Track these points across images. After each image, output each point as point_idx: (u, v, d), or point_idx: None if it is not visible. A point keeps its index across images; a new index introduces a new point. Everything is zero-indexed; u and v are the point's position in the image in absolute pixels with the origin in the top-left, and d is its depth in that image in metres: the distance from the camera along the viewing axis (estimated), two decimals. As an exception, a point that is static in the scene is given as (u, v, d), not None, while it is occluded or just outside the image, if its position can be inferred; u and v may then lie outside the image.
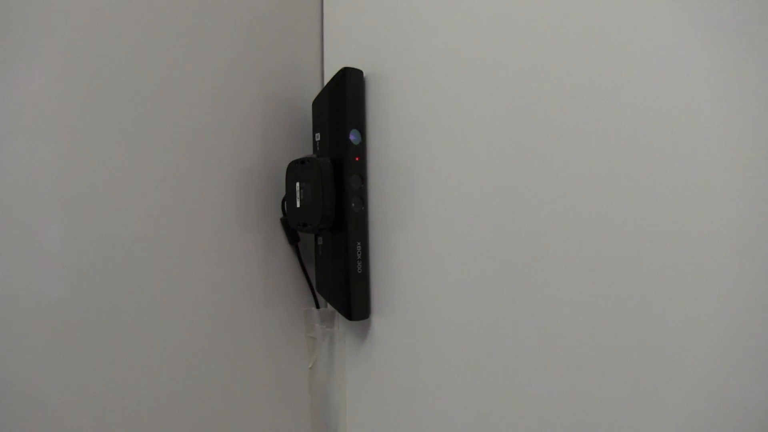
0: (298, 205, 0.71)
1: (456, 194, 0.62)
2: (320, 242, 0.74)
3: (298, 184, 0.71)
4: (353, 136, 0.71)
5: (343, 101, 0.70)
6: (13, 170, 0.49)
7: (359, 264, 0.71)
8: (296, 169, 0.71)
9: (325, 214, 0.68)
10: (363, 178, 0.72)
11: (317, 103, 0.74)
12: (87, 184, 0.54)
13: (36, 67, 0.50)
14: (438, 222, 0.64)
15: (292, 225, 0.73)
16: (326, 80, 0.75)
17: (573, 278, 0.51)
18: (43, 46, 0.52)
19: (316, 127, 0.74)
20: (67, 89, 0.53)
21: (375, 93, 0.71)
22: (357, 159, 0.71)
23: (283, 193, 0.74)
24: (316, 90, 0.78)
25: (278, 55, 0.76)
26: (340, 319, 0.76)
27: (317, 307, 0.77)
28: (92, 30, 0.56)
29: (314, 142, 0.74)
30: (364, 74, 0.72)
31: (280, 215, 0.75)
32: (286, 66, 0.77)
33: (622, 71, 0.47)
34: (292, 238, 0.76)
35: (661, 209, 0.44)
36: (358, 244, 0.71)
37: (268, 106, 0.74)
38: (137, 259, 0.58)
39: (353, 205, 0.70)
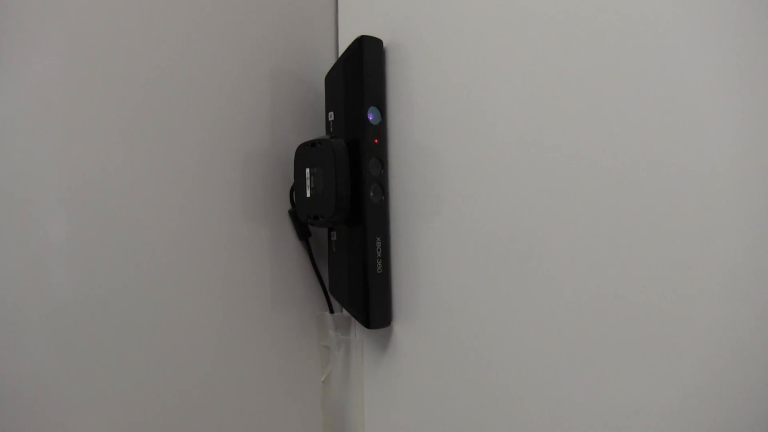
0: (308, 195, 0.66)
1: (490, 181, 0.58)
2: (334, 237, 0.69)
3: (308, 171, 0.66)
4: (372, 115, 0.66)
5: (360, 75, 0.65)
6: (17, 165, 0.50)
7: (379, 262, 0.65)
8: (306, 153, 0.66)
9: (339, 204, 0.63)
10: (383, 162, 0.67)
11: (330, 78, 0.70)
12: (91, 178, 0.54)
13: (39, 61, 0.51)
14: (469, 213, 0.60)
15: (302, 218, 0.67)
16: (341, 51, 0.72)
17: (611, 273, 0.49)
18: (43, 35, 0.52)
19: (329, 105, 0.70)
20: (70, 76, 0.53)
21: (397, 65, 0.67)
22: (376, 141, 0.66)
23: (291, 180, 0.69)
24: (329, 63, 0.73)
25: (285, 23, 0.72)
26: (357, 326, 0.72)
27: (331, 311, 0.72)
28: (93, 19, 0.56)
29: (327, 122, 0.70)
30: (384, 44, 0.68)
31: (289, 206, 0.71)
32: (295, 35, 0.73)
33: (623, 66, 0.48)
34: (302, 232, 0.71)
35: (671, 207, 0.45)
36: (378, 239, 0.66)
37: (275, 81, 0.70)
38: (129, 255, 0.57)
39: (372, 194, 0.65)
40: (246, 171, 0.67)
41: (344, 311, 0.72)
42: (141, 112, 0.58)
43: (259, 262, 0.68)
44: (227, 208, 0.65)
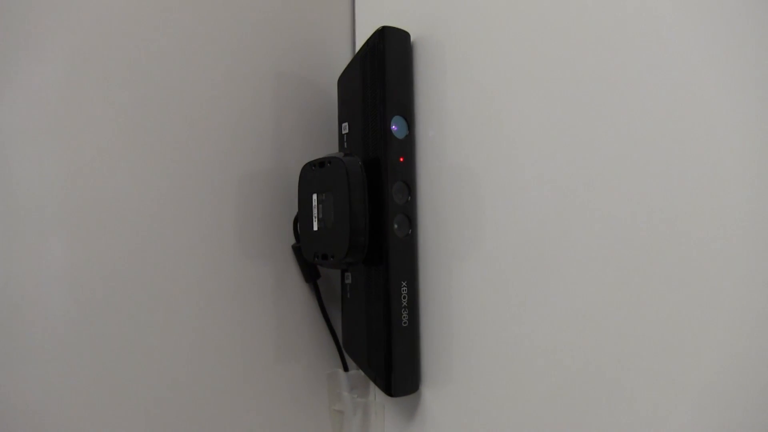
0: (315, 228, 0.61)
1: (546, 211, 0.53)
2: (348, 280, 0.65)
3: (315, 197, 0.61)
4: (396, 126, 0.61)
5: (381, 76, 0.61)
6: (15, 176, 0.51)
7: (405, 313, 0.60)
8: (313, 175, 0.62)
9: (354, 241, 0.58)
10: (410, 187, 0.62)
11: (345, 81, 0.66)
12: (91, 192, 0.54)
13: (37, 73, 0.52)
14: (518, 252, 0.55)
15: (308, 256, 0.63)
16: (358, 47, 0.69)
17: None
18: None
19: (342, 114, 0.66)
20: (64, 84, 0.54)
21: (427, 65, 0.63)
22: (401, 160, 0.61)
23: (296, 208, 0.65)
24: (343, 62, 0.69)
25: (288, 12, 0.70)
26: (377, 387, 0.65)
27: (345, 369, 0.68)
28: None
29: (340, 135, 0.66)
30: (412, 38, 0.64)
31: (293, 240, 0.67)
32: (300, 28, 0.71)
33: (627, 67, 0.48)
34: (309, 273, 0.67)
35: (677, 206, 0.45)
36: (404, 284, 0.60)
37: (276, 85, 0.68)
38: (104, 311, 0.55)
39: (396, 226, 0.60)
40: (242, 196, 0.64)
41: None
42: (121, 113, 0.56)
43: (259, 307, 0.64)
44: (219, 241, 0.62)
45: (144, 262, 0.56)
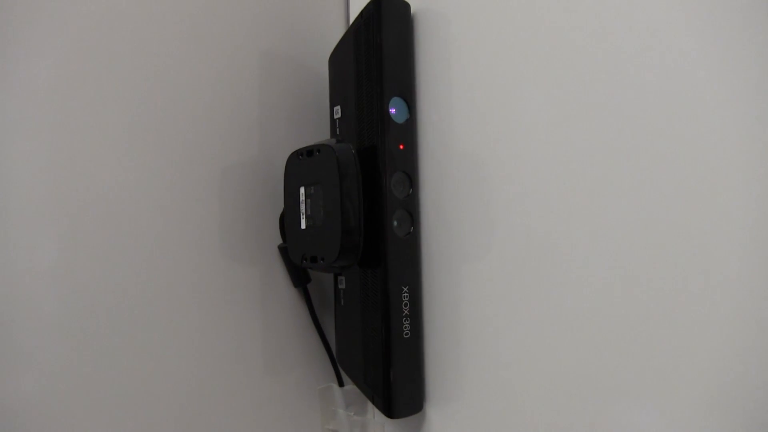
0: (303, 226, 0.58)
1: (569, 203, 0.51)
2: (342, 285, 0.63)
3: (302, 191, 0.58)
4: (395, 109, 0.58)
5: (378, 52, 0.58)
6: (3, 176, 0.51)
7: (406, 323, 0.57)
8: (300, 166, 0.59)
9: (346, 241, 0.55)
10: (411, 178, 0.59)
11: (336, 58, 0.64)
12: (80, 192, 0.54)
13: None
14: (537, 252, 0.53)
15: (295, 258, 0.59)
16: (351, 19, 0.69)
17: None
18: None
19: (334, 96, 0.64)
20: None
21: (430, 40, 0.61)
22: (401, 147, 0.58)
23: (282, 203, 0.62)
24: (335, 37, 0.67)
25: None
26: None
27: (340, 383, 0.66)
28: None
29: (332, 120, 0.64)
30: (413, 9, 0.61)
31: (279, 240, 0.64)
32: (288, 1, 0.68)
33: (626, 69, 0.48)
34: (298, 277, 0.64)
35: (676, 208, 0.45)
36: (405, 289, 0.58)
37: (261, 64, 0.65)
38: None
39: (395, 224, 0.57)
40: (222, 191, 0.61)
41: (358, 385, 0.67)
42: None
43: (243, 314, 0.62)
44: (197, 241, 0.60)
45: (114, 264, 0.55)
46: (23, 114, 0.51)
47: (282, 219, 0.62)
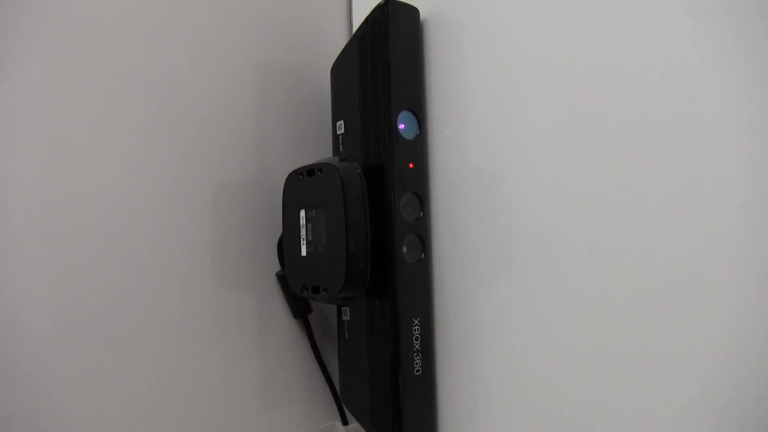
0: (303, 253, 0.56)
1: (595, 228, 0.49)
2: (347, 317, 0.60)
3: (303, 214, 0.56)
4: (404, 125, 0.56)
5: (384, 62, 0.56)
6: None
7: (417, 358, 0.55)
8: (300, 186, 0.58)
9: (351, 270, 0.53)
10: (422, 200, 0.57)
11: (339, 69, 0.63)
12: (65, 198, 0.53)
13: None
14: (563, 279, 0.51)
15: (295, 288, 0.58)
16: (355, 27, 0.66)
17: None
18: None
19: (337, 111, 0.62)
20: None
21: (441, 48, 0.59)
22: (411, 166, 0.57)
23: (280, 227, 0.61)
24: (338, 46, 0.65)
25: None
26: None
27: (344, 422, 0.64)
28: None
29: (334, 136, 0.62)
30: (422, 15, 0.60)
31: (278, 267, 0.63)
32: (289, 9, 0.67)
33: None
34: (298, 308, 0.61)
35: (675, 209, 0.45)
36: (416, 321, 0.56)
37: (259, 76, 0.64)
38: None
39: (405, 250, 0.55)
40: (217, 212, 0.59)
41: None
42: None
43: (240, 346, 0.60)
44: (192, 266, 0.58)
45: (96, 295, 0.53)
46: (13, 128, 0.50)
47: (280, 244, 0.60)
